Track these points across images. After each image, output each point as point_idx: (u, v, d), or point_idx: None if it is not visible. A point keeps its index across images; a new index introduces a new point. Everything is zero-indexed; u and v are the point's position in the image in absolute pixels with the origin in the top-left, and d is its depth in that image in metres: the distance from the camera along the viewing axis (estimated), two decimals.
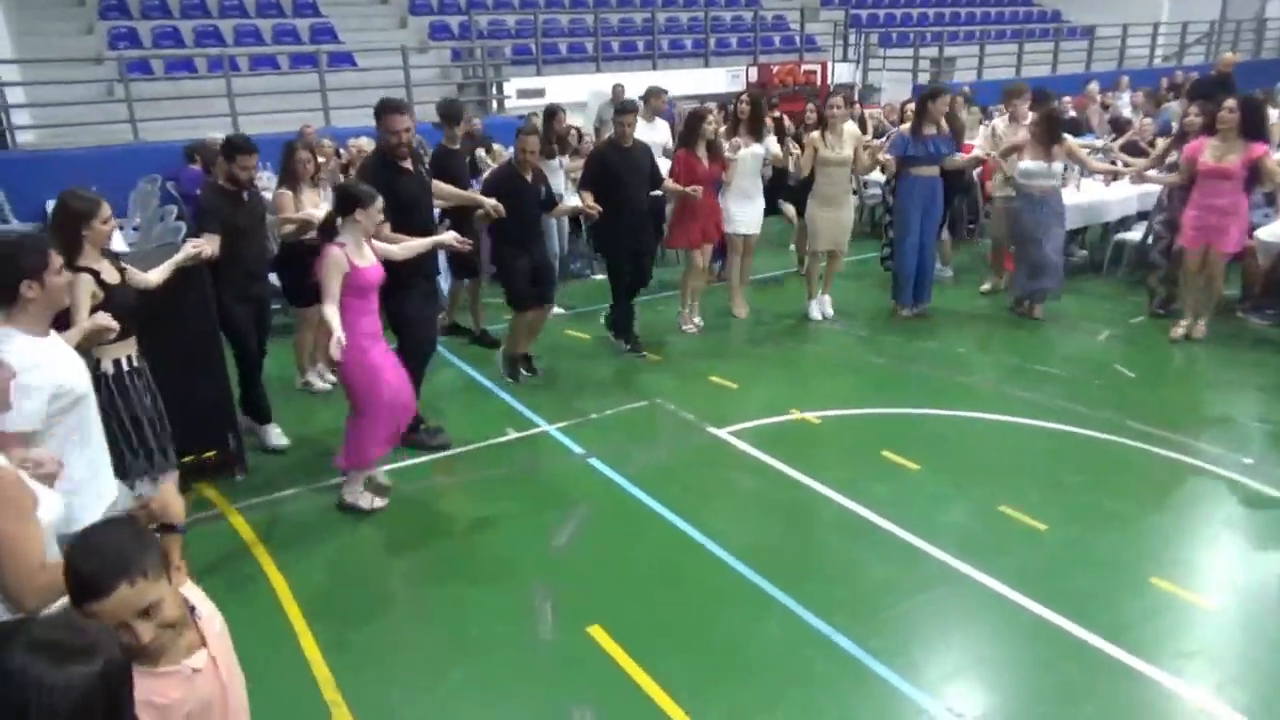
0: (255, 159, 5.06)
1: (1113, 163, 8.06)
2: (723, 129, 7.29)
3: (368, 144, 8.77)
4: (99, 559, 1.55)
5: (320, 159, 9.05)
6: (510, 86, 14.09)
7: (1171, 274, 7.11)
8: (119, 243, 7.60)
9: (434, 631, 3.76)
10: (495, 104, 13.98)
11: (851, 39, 18.17)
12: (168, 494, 1.92)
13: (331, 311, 4.18)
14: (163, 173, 10.12)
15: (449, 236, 4.99)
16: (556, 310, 7.01)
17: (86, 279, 3.59)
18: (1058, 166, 7.01)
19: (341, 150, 9.89)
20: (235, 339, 5.18)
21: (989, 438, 5.40)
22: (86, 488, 2.76)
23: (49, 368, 2.63)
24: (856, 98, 15.32)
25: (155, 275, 4.25)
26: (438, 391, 6.18)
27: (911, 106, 7.75)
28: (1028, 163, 7.00)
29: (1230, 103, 6.36)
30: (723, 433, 5.46)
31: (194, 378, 4.74)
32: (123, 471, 3.55)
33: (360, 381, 4.39)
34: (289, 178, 5.78)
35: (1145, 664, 3.44)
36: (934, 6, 21.71)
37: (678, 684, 3.37)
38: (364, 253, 4.34)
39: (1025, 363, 6.51)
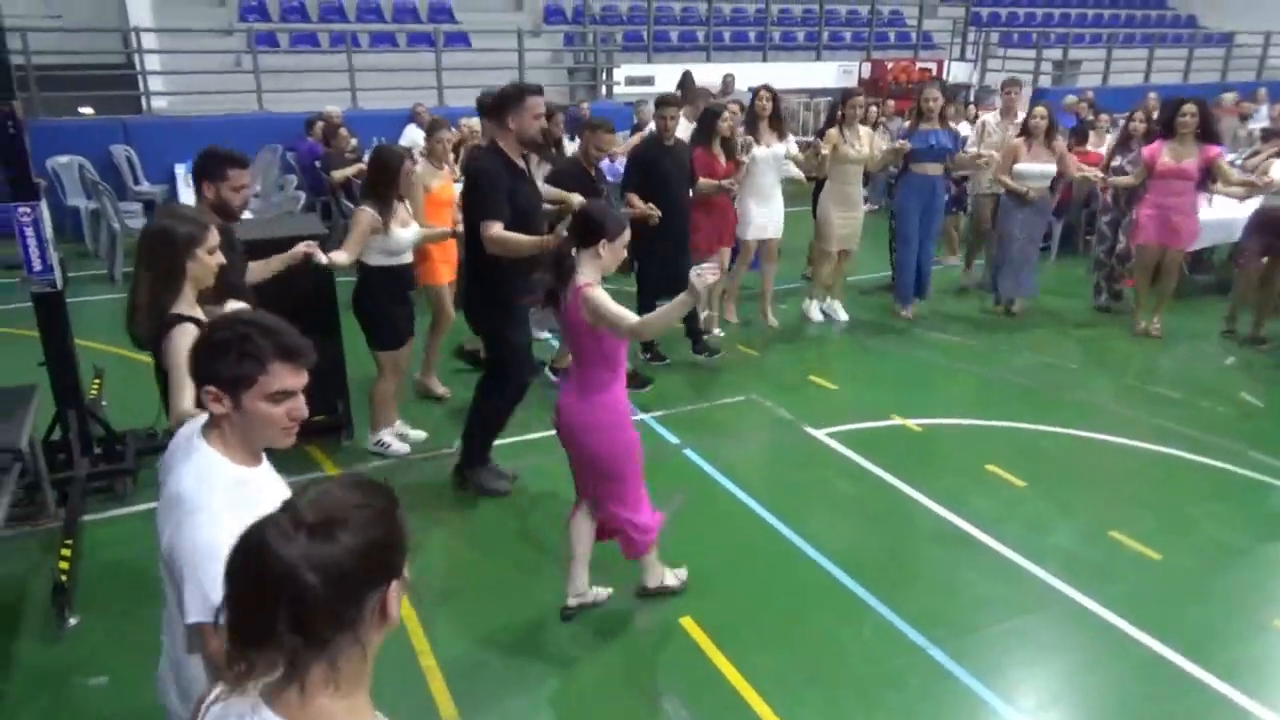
0: (248, 174, 3.63)
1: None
2: (740, 127, 6.78)
3: (478, 124, 8.92)
4: None
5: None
6: (620, 73, 14.13)
7: (1119, 272, 7.62)
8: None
9: (528, 612, 3.81)
10: (605, 90, 14.05)
11: (970, 37, 17.63)
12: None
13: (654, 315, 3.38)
14: (283, 143, 10.52)
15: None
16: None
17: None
18: (1051, 168, 7.10)
19: (454, 129, 10.12)
20: None
21: (1101, 458, 5.19)
22: None
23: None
24: (972, 98, 14.89)
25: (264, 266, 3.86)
26: None
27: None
28: (1027, 164, 7.06)
29: (1189, 107, 6.57)
30: (820, 434, 5.39)
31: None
32: None
33: (632, 468, 3.51)
34: (379, 197, 4.62)
35: (1261, 707, 3.27)
36: (1059, 6, 20.89)
37: (768, 682, 3.35)
38: None
39: (1142, 383, 6.24)
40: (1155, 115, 7.62)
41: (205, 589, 1.67)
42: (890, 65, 15.40)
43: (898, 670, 3.45)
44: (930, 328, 7.33)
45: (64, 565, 3.76)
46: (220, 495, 1.75)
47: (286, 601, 1.16)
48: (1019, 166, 7.09)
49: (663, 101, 6.21)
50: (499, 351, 4.55)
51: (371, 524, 1.23)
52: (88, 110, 11.36)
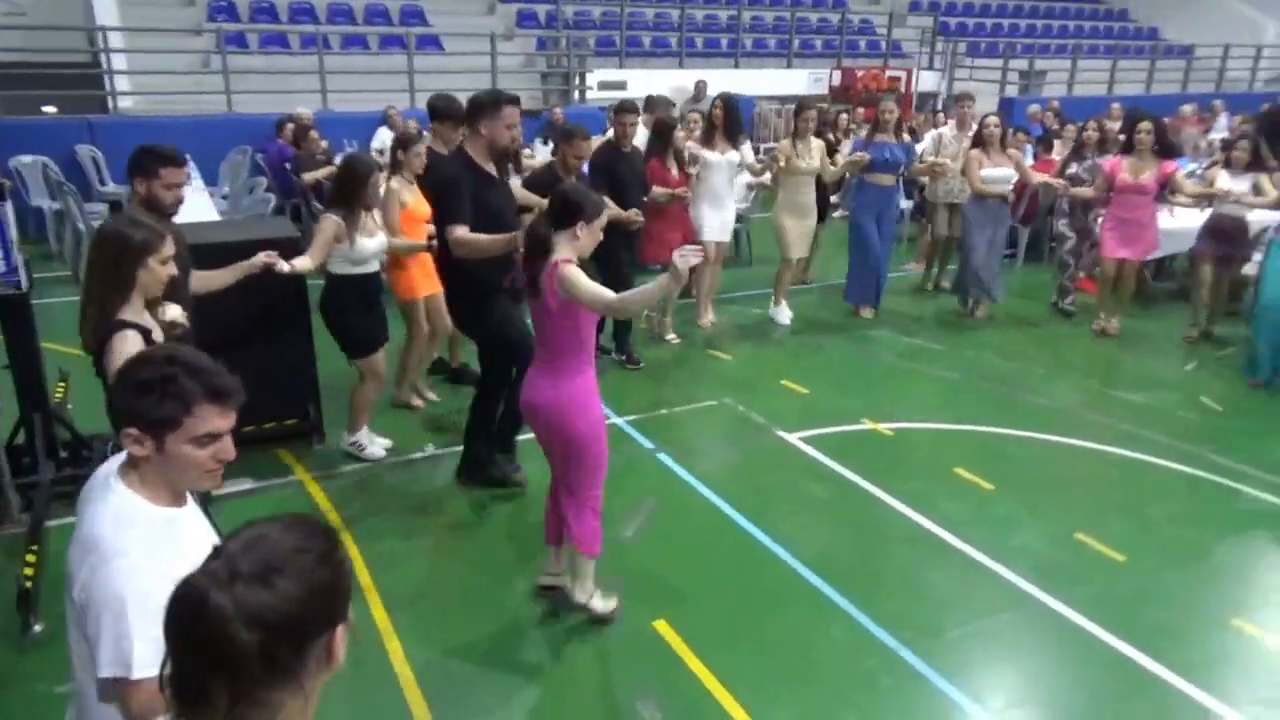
0: (184, 173, 3.57)
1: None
2: (695, 134, 7.10)
3: None
4: None
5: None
6: (593, 78, 14.17)
7: (1074, 274, 7.90)
8: (209, 210, 7.84)
9: (502, 616, 3.81)
10: (578, 94, 14.07)
11: (939, 47, 17.87)
12: None
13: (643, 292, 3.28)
14: (253, 144, 10.42)
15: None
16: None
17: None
18: (1012, 173, 7.47)
19: (424, 132, 10.06)
20: None
21: (1067, 462, 5.28)
22: None
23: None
24: (940, 106, 15.09)
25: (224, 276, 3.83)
26: None
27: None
28: (990, 170, 7.34)
29: (1145, 124, 6.90)
30: (792, 438, 5.43)
31: (280, 345, 4.89)
32: None
33: (598, 445, 3.50)
34: (345, 205, 4.57)
35: (1222, 705, 3.34)
36: (1025, 18, 21.25)
37: (740, 683, 3.37)
38: None
39: (1106, 387, 6.36)
40: (1118, 126, 7.85)
41: (121, 641, 1.58)
42: (860, 73, 15.56)
43: (869, 671, 3.49)
44: (898, 332, 7.42)
45: (29, 571, 3.69)
46: (138, 540, 1.65)
47: (227, 656, 1.10)
48: (985, 173, 7.34)
49: (622, 108, 6.27)
50: (488, 345, 4.54)
51: (313, 569, 1.16)
52: (51, 109, 11.18)
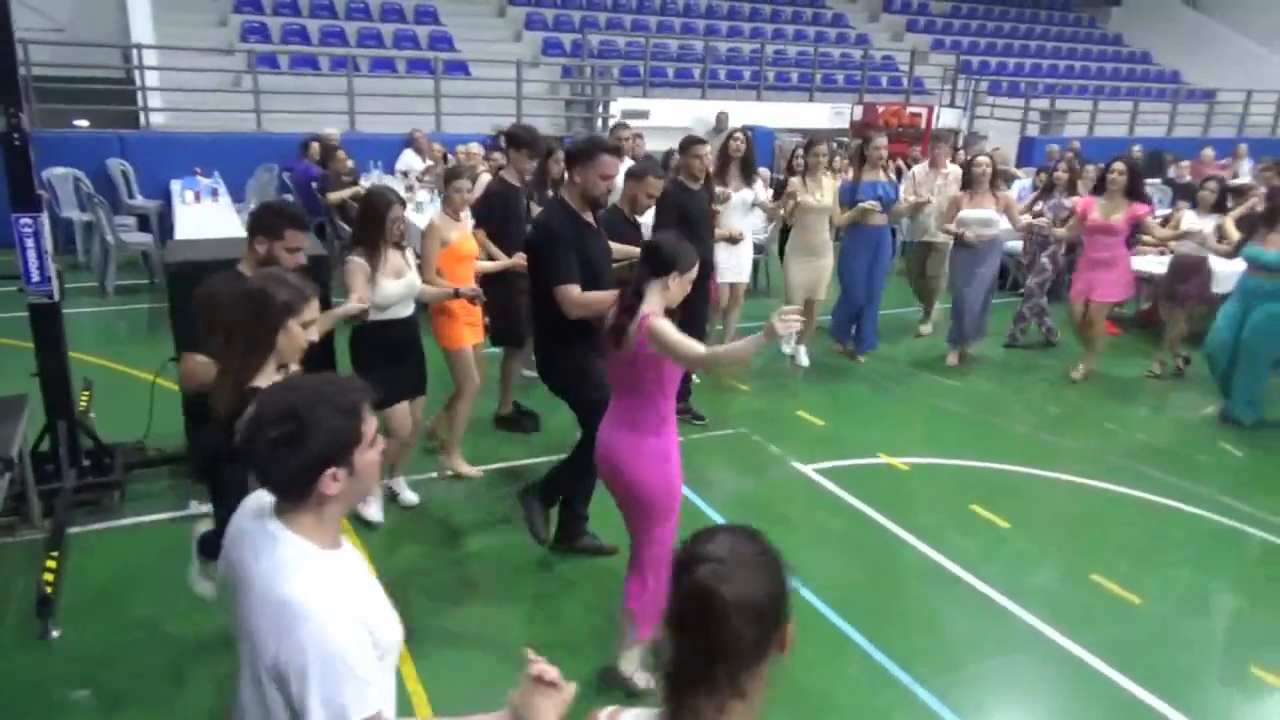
0: (305, 237, 3.56)
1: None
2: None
3: (478, 149, 9.01)
4: None
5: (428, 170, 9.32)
6: (616, 106, 14.30)
7: (1036, 307, 7.93)
8: (237, 227, 7.94)
9: (520, 635, 3.81)
10: (600, 122, 14.21)
11: (960, 84, 17.97)
12: None
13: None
14: (280, 163, 10.57)
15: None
16: None
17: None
18: (993, 214, 7.12)
19: (449, 155, 10.19)
20: None
21: (1083, 503, 5.26)
22: None
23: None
24: (961, 144, 15.14)
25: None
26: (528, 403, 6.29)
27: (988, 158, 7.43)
28: (971, 210, 7.13)
29: (1118, 165, 6.85)
30: (808, 469, 5.43)
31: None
32: None
33: (668, 504, 3.42)
34: (365, 244, 4.22)
35: None
36: (1048, 58, 21.35)
37: None
38: None
39: (1123, 429, 6.33)
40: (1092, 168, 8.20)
41: (334, 697, 1.57)
42: (881, 109, 15.64)
43: (883, 708, 3.48)
44: (917, 368, 7.42)
45: (49, 576, 3.73)
46: (325, 590, 1.62)
47: (731, 641, 1.33)
48: (964, 214, 7.11)
49: (691, 140, 5.77)
50: (582, 413, 4.17)
51: (777, 568, 1.42)
52: (83, 123, 11.38)
